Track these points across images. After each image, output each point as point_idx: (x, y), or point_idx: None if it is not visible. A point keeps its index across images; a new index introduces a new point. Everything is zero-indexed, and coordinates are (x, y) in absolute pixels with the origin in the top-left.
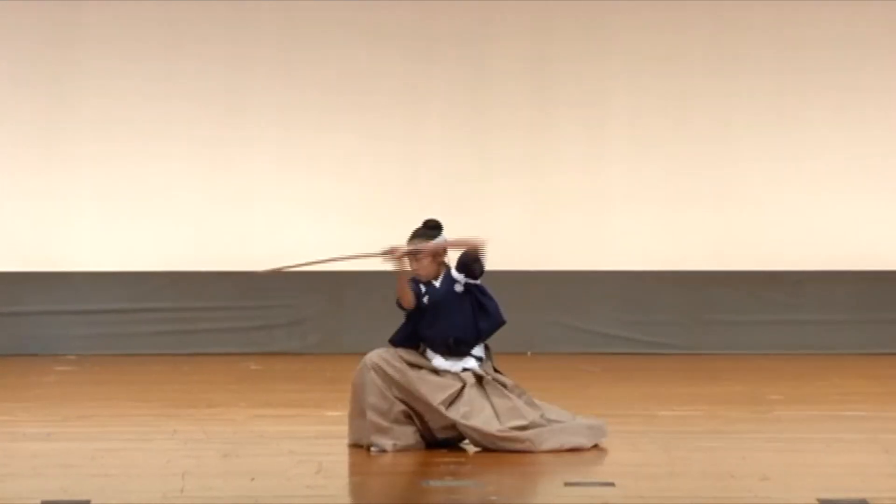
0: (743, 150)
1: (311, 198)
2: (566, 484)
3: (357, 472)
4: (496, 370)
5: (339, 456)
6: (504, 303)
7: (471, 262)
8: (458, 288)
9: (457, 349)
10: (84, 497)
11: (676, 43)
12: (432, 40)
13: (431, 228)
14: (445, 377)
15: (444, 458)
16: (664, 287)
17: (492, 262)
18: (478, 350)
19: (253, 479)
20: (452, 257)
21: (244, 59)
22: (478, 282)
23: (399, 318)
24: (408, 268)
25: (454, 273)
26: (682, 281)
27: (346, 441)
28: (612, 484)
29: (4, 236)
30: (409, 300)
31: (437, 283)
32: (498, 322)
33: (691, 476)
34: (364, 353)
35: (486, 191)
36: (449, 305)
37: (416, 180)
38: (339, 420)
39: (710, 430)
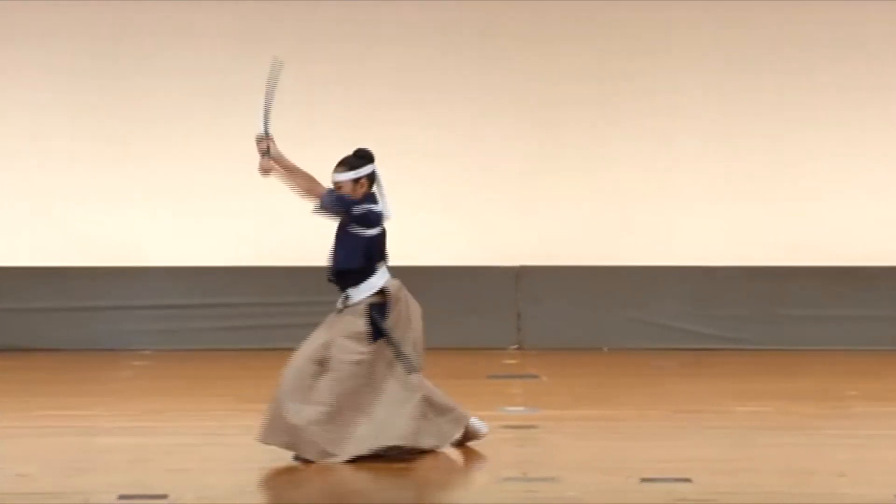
0: (815, 146)
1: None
2: (643, 480)
3: (430, 469)
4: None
5: (413, 451)
6: (578, 298)
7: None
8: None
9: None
10: (160, 492)
11: (743, 39)
12: (499, 38)
13: (357, 158)
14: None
15: (517, 454)
16: (738, 282)
17: (567, 258)
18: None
19: (330, 473)
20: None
21: (310, 55)
22: None
23: None
24: (266, 165)
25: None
26: (755, 276)
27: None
28: (688, 480)
29: (81, 232)
30: (316, 192)
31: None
32: (336, 266)
33: (767, 472)
34: (439, 348)
35: (556, 187)
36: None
37: (482, 177)
38: None
39: (786, 426)
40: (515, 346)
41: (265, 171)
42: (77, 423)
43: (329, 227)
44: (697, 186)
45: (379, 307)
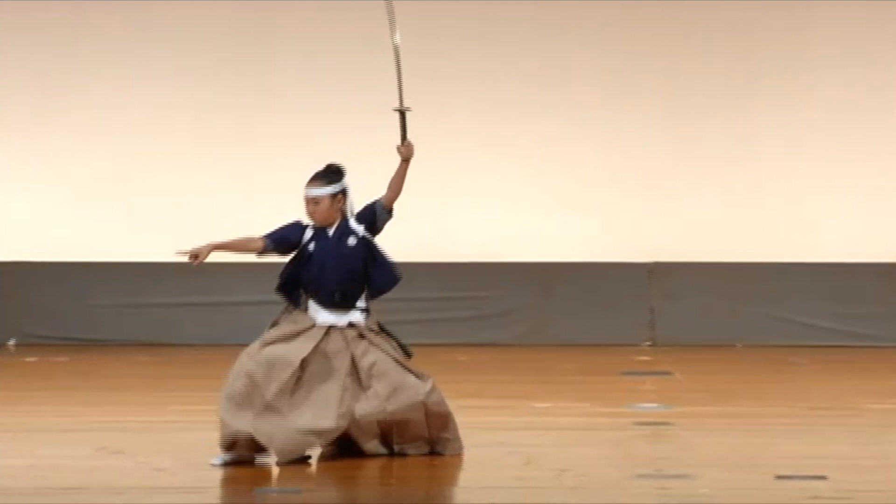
0: None
1: (516, 189)
2: (777, 477)
3: (564, 466)
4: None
5: (547, 447)
6: (713, 294)
7: (385, 215)
8: (352, 241)
9: (342, 303)
10: (296, 486)
11: (876, 35)
12: (632, 32)
13: (333, 173)
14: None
15: (651, 451)
16: (875, 279)
17: (701, 254)
18: (362, 302)
19: (462, 470)
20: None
21: (439, 52)
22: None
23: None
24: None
25: (352, 223)
26: (892, 273)
27: (552, 433)
28: (823, 477)
29: (218, 228)
30: (256, 247)
31: (329, 232)
32: (394, 278)
33: None
34: (572, 345)
35: (695, 182)
36: (339, 258)
37: (614, 171)
38: (547, 411)
39: None
40: (649, 343)
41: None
42: (212, 417)
43: (453, 218)
44: (834, 182)
45: None
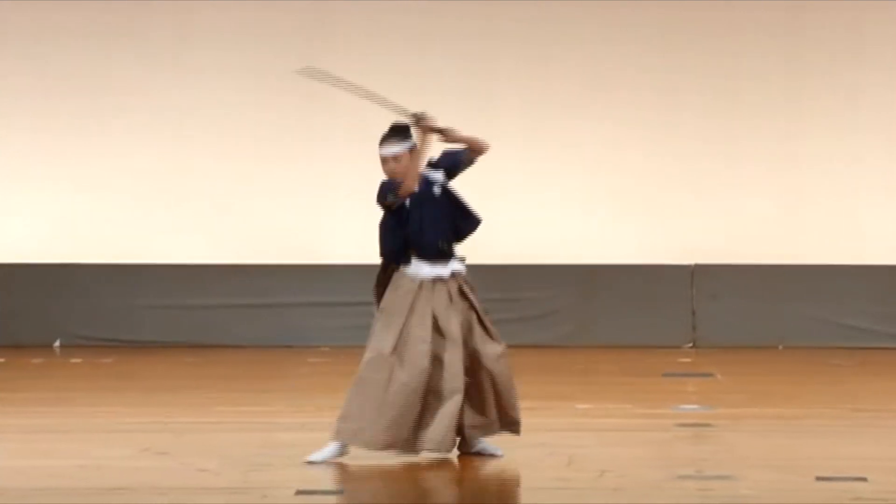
0: None
1: (559, 190)
2: (818, 478)
3: (606, 467)
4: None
5: (589, 448)
6: (755, 296)
7: (466, 162)
8: (437, 190)
9: (446, 254)
10: (336, 487)
11: None
12: (684, 35)
13: (404, 130)
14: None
15: (692, 452)
16: None
17: (743, 256)
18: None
19: (505, 471)
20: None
21: (493, 53)
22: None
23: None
24: (431, 141)
25: (430, 173)
26: None
27: (594, 434)
28: (864, 479)
29: (263, 230)
30: (414, 186)
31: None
32: (477, 221)
33: None
34: (614, 346)
35: (737, 184)
36: (433, 208)
37: (666, 173)
38: (589, 412)
39: None
40: (690, 345)
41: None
42: (256, 418)
43: (496, 219)
44: (878, 184)
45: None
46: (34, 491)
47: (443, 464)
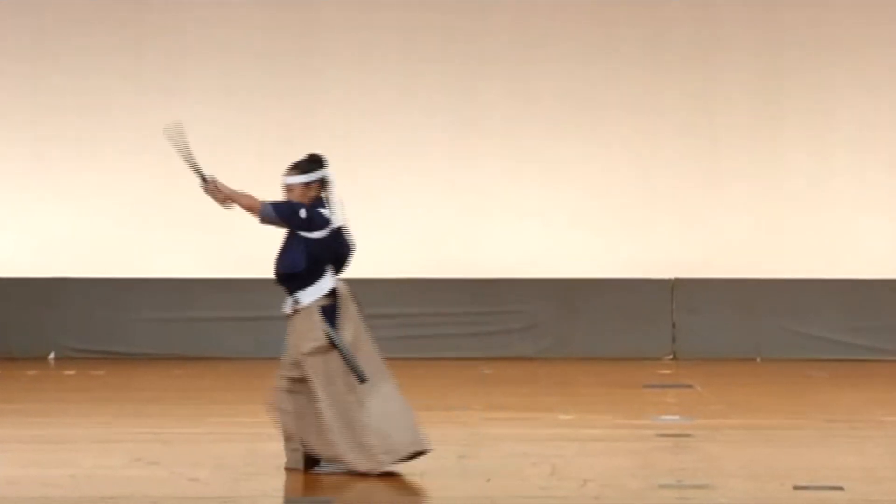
0: None
1: (543, 207)
2: (796, 487)
3: (588, 476)
4: None
5: (571, 458)
6: (733, 309)
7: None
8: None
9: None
10: (325, 497)
11: None
12: (662, 51)
13: (312, 162)
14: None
15: (672, 462)
16: (892, 294)
17: (721, 270)
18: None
19: (489, 480)
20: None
21: (474, 72)
22: None
23: None
24: (223, 201)
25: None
26: None
27: (576, 444)
28: (840, 488)
29: (254, 245)
30: (259, 204)
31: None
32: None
33: None
34: (596, 358)
35: (715, 201)
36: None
37: (646, 188)
38: (571, 423)
39: None
40: (670, 357)
41: (225, 205)
42: (246, 429)
43: (482, 235)
44: (852, 202)
45: (329, 309)
46: (28, 500)
47: (429, 473)
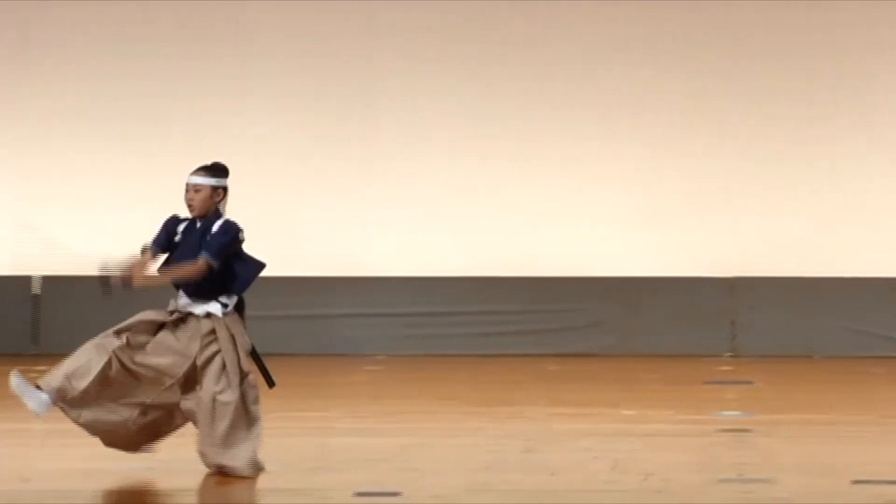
0: None
1: (599, 207)
2: (854, 482)
3: (650, 470)
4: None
5: (634, 453)
6: (792, 308)
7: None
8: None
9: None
10: (394, 489)
11: None
12: (717, 56)
13: (219, 170)
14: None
15: (733, 457)
16: None
17: (780, 269)
18: (225, 297)
19: (553, 474)
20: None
21: (530, 76)
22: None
23: None
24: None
25: (217, 223)
26: None
27: (638, 439)
28: None
29: (320, 242)
30: (200, 264)
31: (198, 224)
32: (259, 267)
33: None
34: (657, 355)
35: (771, 200)
36: (198, 250)
37: (699, 189)
38: (633, 419)
39: None
40: (730, 354)
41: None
42: (315, 423)
43: (542, 236)
44: None
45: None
46: (98, 491)
47: (495, 467)
